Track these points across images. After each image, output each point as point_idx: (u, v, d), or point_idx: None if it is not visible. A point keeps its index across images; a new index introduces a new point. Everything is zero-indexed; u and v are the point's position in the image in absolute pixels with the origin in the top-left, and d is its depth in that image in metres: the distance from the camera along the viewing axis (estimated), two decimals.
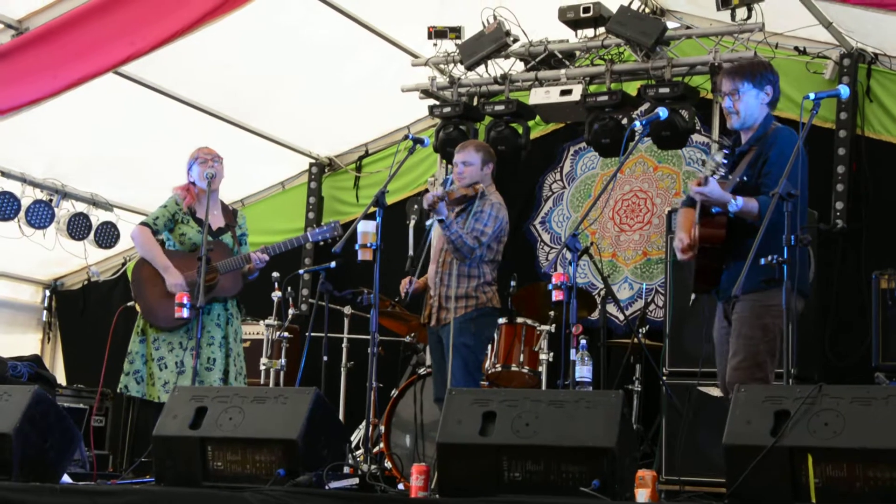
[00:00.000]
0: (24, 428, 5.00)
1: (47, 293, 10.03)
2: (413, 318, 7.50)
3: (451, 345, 5.92)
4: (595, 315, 7.50)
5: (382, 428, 6.98)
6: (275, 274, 7.60)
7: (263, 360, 7.69)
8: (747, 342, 4.85)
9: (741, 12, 6.94)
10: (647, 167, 8.52)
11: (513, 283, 7.18)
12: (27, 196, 8.57)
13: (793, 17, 7.24)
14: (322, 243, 6.78)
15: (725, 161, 4.81)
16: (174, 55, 7.26)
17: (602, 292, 7.37)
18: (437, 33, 7.69)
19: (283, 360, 7.68)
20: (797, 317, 4.86)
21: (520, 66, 7.84)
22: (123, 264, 9.73)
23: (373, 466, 5.28)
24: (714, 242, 4.94)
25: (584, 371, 5.32)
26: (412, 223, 7.24)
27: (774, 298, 4.66)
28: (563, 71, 7.61)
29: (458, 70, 7.87)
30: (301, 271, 8.30)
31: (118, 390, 6.35)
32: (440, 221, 5.89)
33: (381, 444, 6.95)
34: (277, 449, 4.64)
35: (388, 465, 6.85)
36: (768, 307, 4.78)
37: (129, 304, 6.50)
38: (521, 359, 7.02)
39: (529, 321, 7.09)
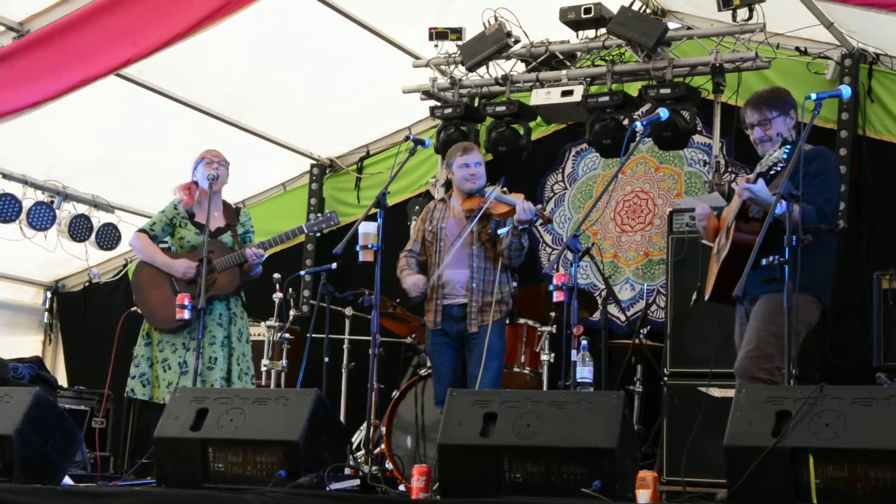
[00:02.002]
0: (25, 429, 5.00)
1: (48, 295, 10.04)
2: (414, 319, 7.49)
3: (488, 347, 5.94)
4: (596, 316, 7.49)
5: (383, 429, 6.98)
6: (276, 275, 7.60)
7: (265, 361, 7.69)
8: (759, 333, 4.95)
9: (742, 13, 6.94)
10: (649, 168, 8.51)
11: (514, 284, 7.17)
12: (28, 198, 8.57)
13: (794, 18, 7.24)
14: (320, 234, 6.77)
15: (786, 156, 4.81)
16: (175, 57, 7.26)
17: (603, 293, 7.37)
18: (438, 34, 7.70)
19: (284, 362, 7.68)
20: (811, 326, 5.03)
21: (521, 66, 7.84)
22: (124, 266, 9.74)
23: (374, 468, 5.29)
24: (746, 248, 4.95)
25: (585, 372, 5.32)
26: (413, 224, 7.23)
27: (796, 299, 4.69)
28: (564, 72, 7.61)
29: (460, 71, 7.87)
30: (302, 272, 8.30)
31: (125, 394, 6.38)
32: (524, 230, 5.94)
33: (382, 446, 6.94)
34: (278, 450, 4.64)
35: (389, 466, 6.84)
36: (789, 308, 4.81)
37: (133, 308, 6.51)
38: (523, 360, 7.01)
39: (530, 322, 7.09)
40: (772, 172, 4.86)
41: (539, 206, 5.92)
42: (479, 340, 5.98)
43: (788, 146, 4.85)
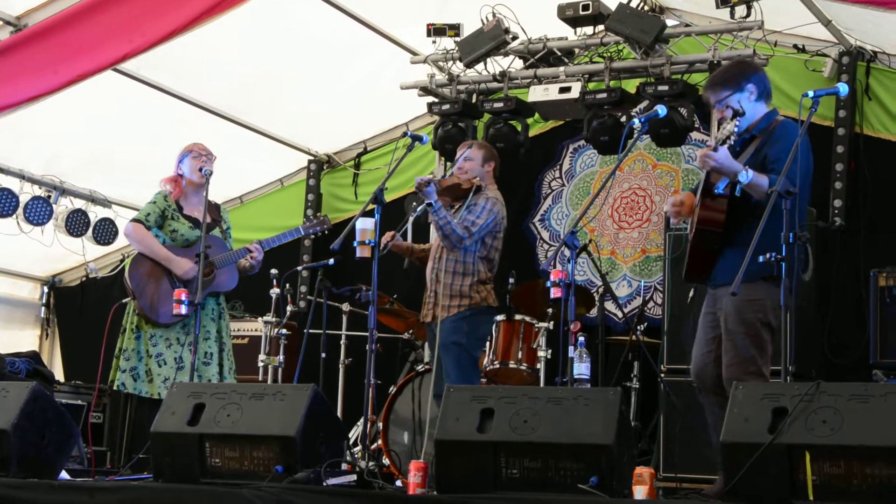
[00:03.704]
0: (21, 424, 4.99)
1: (45, 289, 10.03)
2: (411, 314, 7.51)
3: (440, 343, 5.96)
4: (593, 312, 7.50)
5: (380, 425, 6.99)
6: (273, 271, 7.60)
7: (262, 356, 7.68)
8: (733, 338, 4.92)
9: (740, 10, 6.94)
10: (646, 165, 8.52)
11: (511, 281, 7.19)
12: (25, 192, 8.57)
13: (792, 15, 7.24)
14: (314, 237, 6.78)
15: (737, 129, 4.71)
16: (173, 52, 7.26)
17: (600, 290, 7.37)
18: (437, 31, 7.69)
19: (281, 357, 7.66)
20: (789, 312, 4.88)
21: (519, 63, 7.84)
22: (121, 261, 9.72)
23: (371, 463, 5.29)
24: (712, 226, 4.92)
25: (582, 368, 5.32)
26: (411, 220, 7.23)
27: (757, 293, 4.74)
28: (561, 68, 7.60)
29: (457, 67, 7.86)
30: (299, 268, 8.30)
31: (114, 387, 6.35)
32: (429, 206, 5.90)
33: (380, 441, 6.95)
34: (275, 445, 4.63)
35: (386, 461, 6.85)
36: (750, 301, 4.81)
37: (124, 301, 6.48)
38: (520, 356, 7.02)
39: (528, 318, 7.10)
40: (726, 144, 4.73)
41: (423, 177, 5.96)
42: (439, 334, 6.04)
43: (740, 118, 4.74)
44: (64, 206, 8.84)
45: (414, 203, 8.32)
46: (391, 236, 6.11)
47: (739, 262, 4.64)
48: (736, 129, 4.70)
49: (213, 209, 6.55)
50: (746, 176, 4.69)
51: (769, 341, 4.90)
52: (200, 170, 6.29)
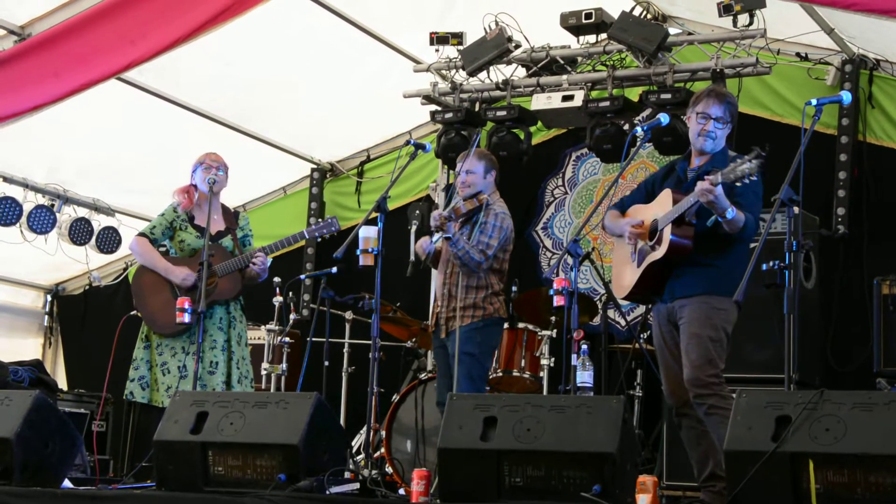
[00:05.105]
0: (25, 433, 5.00)
1: (49, 298, 10.04)
2: (414, 323, 7.51)
3: (452, 353, 5.94)
4: (596, 320, 7.50)
5: (383, 433, 6.98)
6: (276, 279, 7.60)
7: (265, 365, 7.68)
8: (699, 340, 5.01)
9: (743, 18, 6.94)
10: (649, 173, 8.51)
11: (514, 289, 7.18)
12: (29, 201, 8.57)
13: (794, 24, 7.24)
14: (320, 239, 6.76)
15: (761, 171, 4.79)
16: (176, 60, 7.27)
17: (603, 298, 7.37)
18: (440, 39, 7.70)
19: (284, 365, 7.67)
20: (733, 325, 5.11)
21: (521, 71, 7.84)
22: (125, 269, 9.74)
23: (374, 471, 5.29)
24: (681, 251, 5.04)
25: (585, 376, 5.32)
26: (414, 228, 7.24)
27: (723, 304, 4.95)
28: (564, 77, 7.60)
29: (460, 76, 7.87)
30: (302, 276, 8.30)
31: (124, 396, 6.37)
32: (447, 239, 5.91)
33: (382, 449, 6.94)
34: (278, 454, 4.64)
35: (388, 470, 6.84)
36: (717, 309, 5.00)
37: (132, 312, 6.50)
38: (523, 364, 7.02)
39: (531, 326, 7.09)
40: (739, 184, 4.84)
41: (440, 212, 5.99)
42: (451, 345, 6.01)
43: (762, 158, 4.77)
44: (67, 214, 8.84)
45: (417, 211, 8.34)
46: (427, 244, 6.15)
47: (701, 277, 4.98)
48: (759, 171, 4.76)
49: (231, 217, 6.55)
50: (732, 212, 4.87)
51: (725, 350, 5.08)
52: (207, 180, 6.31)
